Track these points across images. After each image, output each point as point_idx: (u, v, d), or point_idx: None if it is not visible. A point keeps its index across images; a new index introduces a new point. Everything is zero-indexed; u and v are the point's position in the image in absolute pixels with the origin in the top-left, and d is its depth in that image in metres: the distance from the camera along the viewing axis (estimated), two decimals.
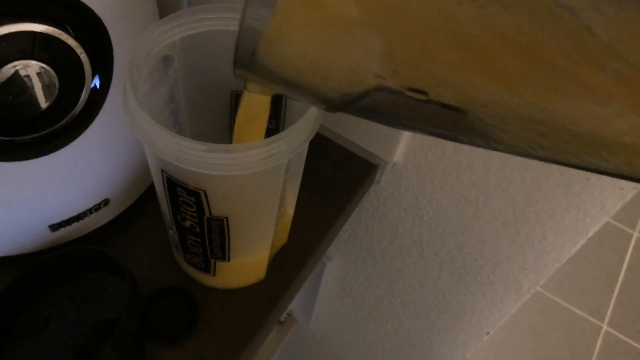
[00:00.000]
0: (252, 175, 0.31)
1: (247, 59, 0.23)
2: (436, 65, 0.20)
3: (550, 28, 0.18)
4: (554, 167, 0.40)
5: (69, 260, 0.39)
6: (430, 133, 0.23)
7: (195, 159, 0.28)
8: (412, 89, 0.21)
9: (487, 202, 0.47)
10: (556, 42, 0.18)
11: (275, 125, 0.39)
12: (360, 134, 0.50)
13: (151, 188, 0.45)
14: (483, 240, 0.51)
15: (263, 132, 0.32)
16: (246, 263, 0.39)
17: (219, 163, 0.28)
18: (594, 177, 0.39)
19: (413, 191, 0.52)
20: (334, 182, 0.49)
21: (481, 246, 0.51)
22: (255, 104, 0.30)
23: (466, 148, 0.44)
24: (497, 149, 0.22)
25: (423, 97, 0.21)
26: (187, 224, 0.34)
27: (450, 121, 0.22)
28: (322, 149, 0.51)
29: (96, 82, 0.33)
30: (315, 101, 0.24)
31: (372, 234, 0.61)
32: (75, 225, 0.40)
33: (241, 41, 0.22)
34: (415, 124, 0.23)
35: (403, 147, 0.48)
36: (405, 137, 0.47)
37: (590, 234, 0.43)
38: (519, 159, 0.42)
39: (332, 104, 0.24)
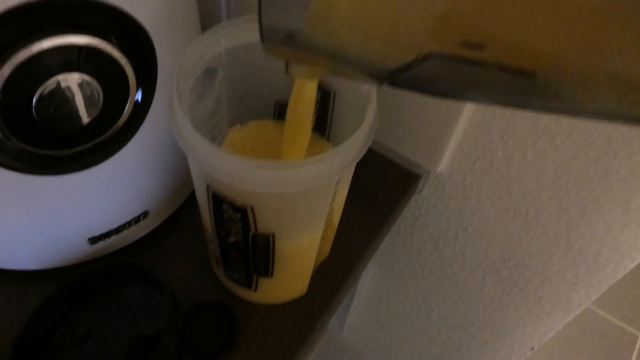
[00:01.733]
0: (302, 192, 0.29)
1: (284, 36, 0.21)
2: (498, 17, 0.17)
3: None
4: (614, 179, 0.38)
5: (107, 274, 0.38)
6: (496, 101, 0.20)
7: (244, 176, 0.27)
8: (467, 44, 0.17)
9: (538, 215, 0.45)
10: None
11: (319, 135, 0.38)
12: (403, 142, 0.48)
13: (189, 199, 0.44)
14: (531, 254, 0.49)
15: (310, 120, 0.30)
16: (289, 278, 0.38)
17: (268, 180, 0.27)
18: None
19: (457, 202, 0.50)
20: (375, 193, 0.48)
21: (529, 259, 0.49)
22: (303, 90, 0.29)
23: (517, 159, 0.42)
24: (577, 112, 0.19)
25: (480, 55, 0.18)
26: (231, 239, 0.33)
27: (515, 85, 0.19)
28: (363, 158, 0.50)
29: (139, 95, 0.32)
30: (359, 75, 0.22)
31: (412, 244, 0.59)
32: (114, 238, 0.39)
33: (272, 17, 0.20)
34: (474, 92, 0.20)
35: (448, 157, 0.46)
36: (451, 147, 0.45)
37: None
38: (575, 170, 0.40)
39: (378, 75, 0.21)
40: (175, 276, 0.41)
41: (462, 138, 0.44)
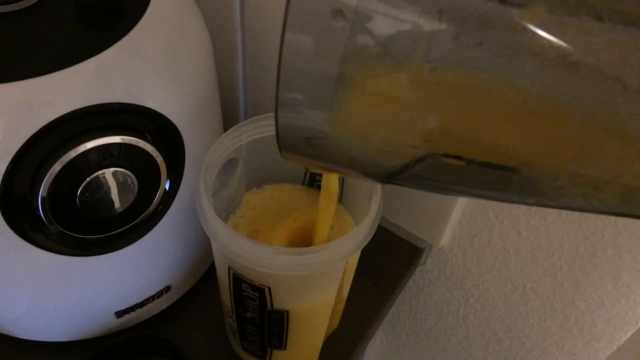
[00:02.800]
0: (315, 275, 0.32)
1: (298, 147, 0.24)
2: (471, 132, 0.21)
3: (581, 85, 0.18)
4: (602, 256, 0.41)
5: (131, 346, 0.41)
6: (481, 196, 0.24)
7: (262, 260, 0.30)
8: (447, 155, 0.21)
9: (535, 287, 0.48)
10: (589, 98, 0.19)
11: None
12: (407, 218, 0.51)
13: (207, 274, 0.47)
14: (530, 325, 0.51)
15: (335, 200, 0.33)
16: (301, 350, 0.41)
17: (285, 264, 0.30)
18: None
19: (459, 274, 0.53)
20: (381, 266, 0.51)
21: (528, 330, 0.52)
22: (327, 179, 0.32)
23: (513, 236, 0.45)
24: (553, 207, 0.22)
25: (461, 163, 0.21)
26: (248, 315, 0.36)
27: (496, 182, 0.22)
28: None
29: (167, 184, 0.35)
30: (361, 177, 0.26)
31: (417, 313, 0.61)
32: (138, 311, 0.42)
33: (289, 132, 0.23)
34: (462, 187, 0.23)
35: (449, 233, 0.50)
36: (452, 223, 0.48)
37: None
38: (566, 247, 0.43)
39: (377, 178, 0.25)
40: (193, 347, 0.44)
41: (462, 215, 0.47)
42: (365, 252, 0.50)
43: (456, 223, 0.48)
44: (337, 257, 0.30)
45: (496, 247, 0.47)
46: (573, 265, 0.43)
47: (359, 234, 0.31)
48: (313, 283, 0.34)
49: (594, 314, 0.45)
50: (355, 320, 0.47)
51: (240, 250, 0.30)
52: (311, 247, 0.30)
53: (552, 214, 0.42)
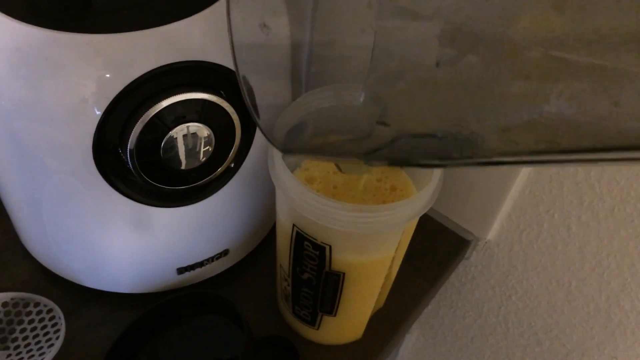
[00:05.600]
0: (374, 235, 0.34)
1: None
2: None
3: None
4: None
5: (190, 302, 0.43)
6: (434, 158, 0.25)
7: (329, 214, 0.32)
8: (380, 123, 0.26)
9: (580, 286, 0.48)
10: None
11: None
12: (456, 210, 0.53)
13: (262, 244, 0.50)
14: (572, 325, 0.51)
15: None
16: (350, 319, 0.42)
17: (349, 220, 0.32)
18: None
19: (503, 270, 0.54)
20: (427, 254, 0.52)
21: (570, 331, 0.52)
22: None
23: (562, 231, 0.46)
24: (490, 159, 0.22)
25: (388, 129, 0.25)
26: (305, 276, 0.38)
27: (433, 146, 0.24)
28: (418, 221, 0.54)
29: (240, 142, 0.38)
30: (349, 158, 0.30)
31: (456, 310, 0.62)
32: (197, 270, 0.44)
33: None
34: (415, 157, 0.25)
35: (497, 226, 0.51)
36: (501, 216, 0.50)
37: None
38: (615, 244, 0.44)
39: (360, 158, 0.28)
40: (244, 310, 0.46)
41: (512, 209, 0.48)
42: (412, 240, 0.52)
43: (505, 216, 0.49)
44: (399, 218, 0.32)
45: (544, 242, 0.48)
46: (621, 263, 0.44)
47: (421, 199, 0.33)
48: (371, 243, 0.35)
49: (638, 316, 0.46)
50: (399, 302, 0.48)
51: (309, 205, 0.32)
52: (375, 206, 0.32)
53: (604, 209, 0.43)
